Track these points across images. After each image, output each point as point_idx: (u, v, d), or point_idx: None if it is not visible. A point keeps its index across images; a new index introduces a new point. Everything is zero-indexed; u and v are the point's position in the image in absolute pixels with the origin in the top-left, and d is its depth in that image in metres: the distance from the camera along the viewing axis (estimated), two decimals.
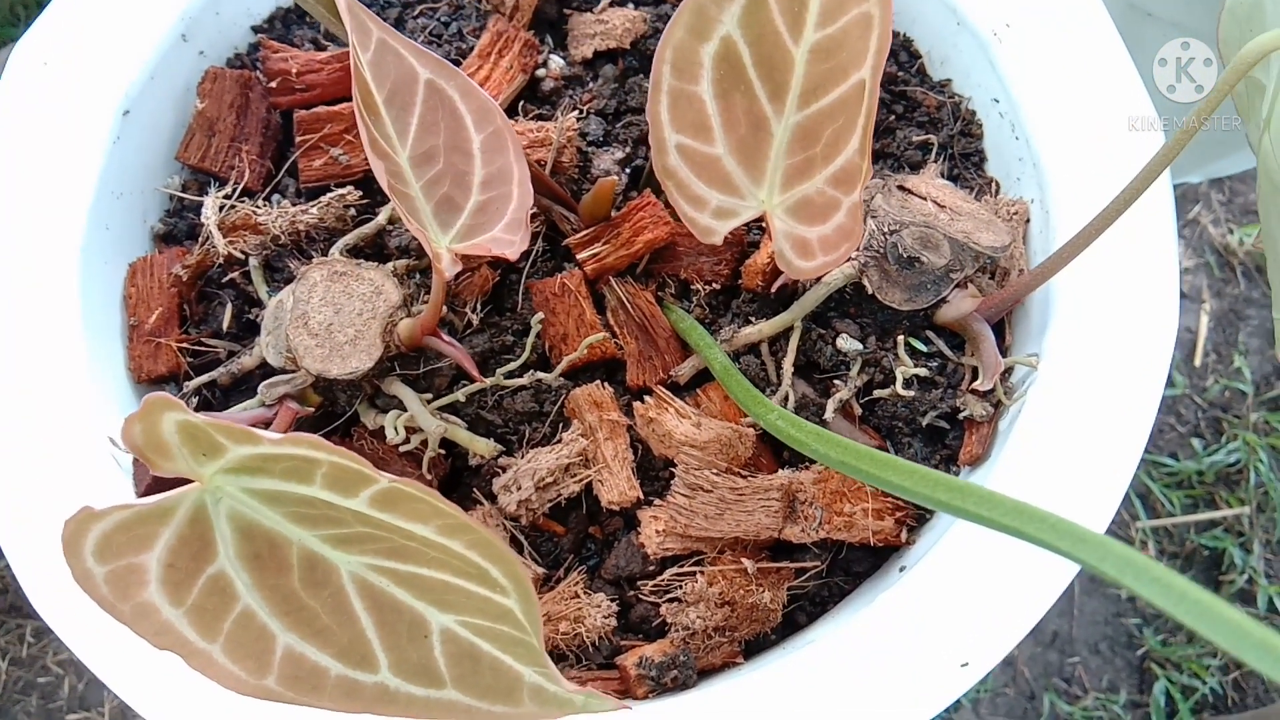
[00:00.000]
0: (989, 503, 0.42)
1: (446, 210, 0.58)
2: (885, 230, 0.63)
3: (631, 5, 0.79)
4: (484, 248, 0.57)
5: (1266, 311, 1.67)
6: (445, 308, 0.67)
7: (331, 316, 0.63)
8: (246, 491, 0.45)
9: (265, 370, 0.67)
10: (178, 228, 0.74)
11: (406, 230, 0.69)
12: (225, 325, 0.70)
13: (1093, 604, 1.51)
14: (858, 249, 0.63)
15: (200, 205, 0.73)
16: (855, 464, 0.48)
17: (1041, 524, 0.40)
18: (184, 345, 0.70)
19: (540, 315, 0.65)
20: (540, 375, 0.65)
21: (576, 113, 0.74)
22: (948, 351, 0.66)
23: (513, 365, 0.65)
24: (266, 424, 0.63)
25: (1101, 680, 1.48)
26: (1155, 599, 0.35)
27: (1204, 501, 1.56)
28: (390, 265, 0.66)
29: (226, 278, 0.70)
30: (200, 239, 0.70)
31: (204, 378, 0.68)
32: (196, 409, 0.68)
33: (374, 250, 0.70)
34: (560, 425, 0.66)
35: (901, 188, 0.65)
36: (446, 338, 0.63)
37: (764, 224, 0.68)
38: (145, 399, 0.42)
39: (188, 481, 0.45)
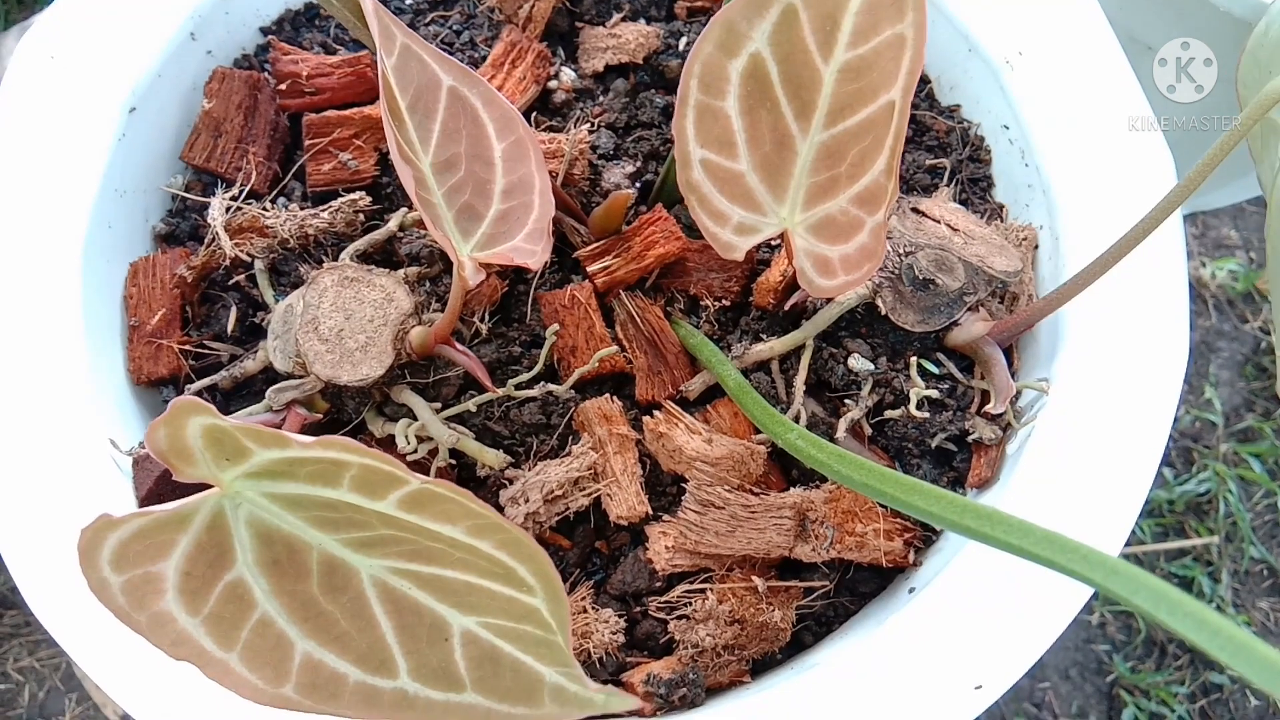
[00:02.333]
0: (1020, 531, 0.41)
1: (467, 218, 0.57)
2: (900, 252, 0.64)
3: (644, 21, 0.79)
4: (505, 256, 0.57)
5: (1237, 344, 1.69)
6: None
7: (342, 322, 0.62)
8: (267, 496, 0.44)
9: (268, 375, 0.66)
10: (180, 228, 0.73)
11: (418, 237, 0.69)
12: (229, 328, 0.69)
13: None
14: None
15: (203, 206, 0.72)
16: (879, 487, 0.48)
17: (1074, 554, 0.39)
18: (185, 347, 0.68)
19: (555, 327, 0.65)
20: (551, 387, 0.65)
21: (588, 126, 0.73)
22: (958, 374, 0.67)
23: (525, 377, 0.64)
24: (276, 429, 0.62)
25: (1071, 706, 1.49)
26: (1189, 634, 0.35)
27: (1174, 530, 1.58)
28: (401, 272, 0.66)
29: (231, 280, 0.69)
30: (206, 240, 0.68)
31: (205, 381, 0.67)
32: None
33: (384, 257, 0.70)
34: (569, 438, 0.66)
35: (916, 210, 0.66)
36: (460, 346, 0.63)
37: (780, 242, 0.68)
38: (172, 403, 0.41)
39: (191, 486, 0.43)
